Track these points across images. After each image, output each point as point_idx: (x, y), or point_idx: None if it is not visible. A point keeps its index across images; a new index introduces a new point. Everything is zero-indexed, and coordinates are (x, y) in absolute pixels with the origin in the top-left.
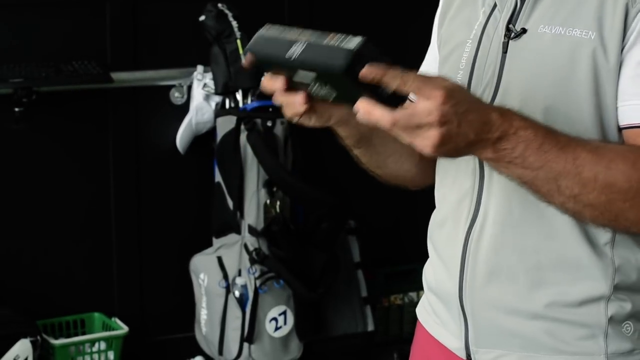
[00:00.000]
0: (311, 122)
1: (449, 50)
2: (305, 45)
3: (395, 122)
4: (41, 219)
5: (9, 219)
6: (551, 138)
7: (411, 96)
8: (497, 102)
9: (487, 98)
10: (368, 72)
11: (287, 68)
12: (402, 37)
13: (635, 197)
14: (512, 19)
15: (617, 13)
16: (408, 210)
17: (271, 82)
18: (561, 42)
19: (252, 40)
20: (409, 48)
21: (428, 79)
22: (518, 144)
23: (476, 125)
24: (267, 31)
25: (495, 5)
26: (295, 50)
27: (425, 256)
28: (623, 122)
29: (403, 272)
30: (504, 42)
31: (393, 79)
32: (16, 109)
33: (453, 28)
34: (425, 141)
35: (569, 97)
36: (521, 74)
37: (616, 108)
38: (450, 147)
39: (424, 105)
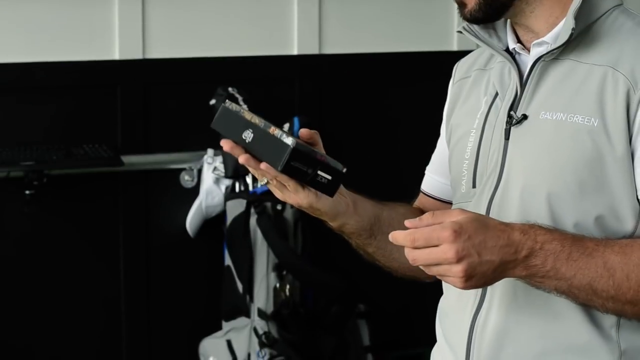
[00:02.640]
0: (286, 197)
1: (455, 141)
2: (253, 132)
3: (415, 261)
4: (51, 302)
5: (18, 302)
6: (578, 246)
7: None
8: (500, 189)
9: (491, 185)
10: (393, 237)
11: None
12: (410, 121)
13: None
14: (513, 106)
15: (618, 100)
16: (417, 293)
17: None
18: (563, 129)
19: (217, 115)
20: (410, 133)
21: (434, 227)
22: (547, 257)
23: (498, 250)
24: (229, 105)
25: (497, 94)
26: (247, 136)
27: (434, 340)
28: None
29: (413, 356)
30: (505, 129)
31: (404, 241)
32: (27, 192)
33: (459, 119)
34: (452, 279)
35: (571, 182)
36: (523, 160)
37: (629, 195)
38: (479, 277)
39: (438, 249)
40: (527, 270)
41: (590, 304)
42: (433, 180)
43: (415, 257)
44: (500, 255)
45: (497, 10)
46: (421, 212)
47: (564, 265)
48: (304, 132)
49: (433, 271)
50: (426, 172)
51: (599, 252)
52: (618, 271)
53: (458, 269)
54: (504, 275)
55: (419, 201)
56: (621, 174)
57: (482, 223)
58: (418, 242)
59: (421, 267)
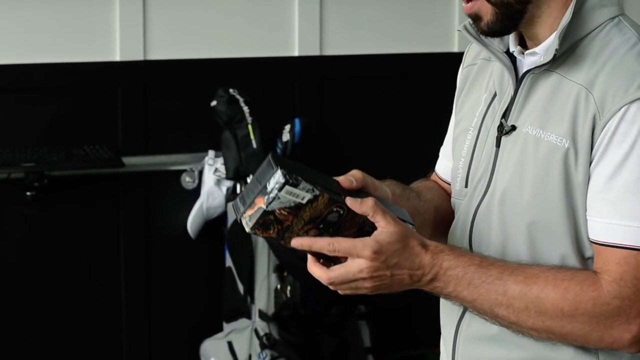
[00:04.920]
0: None
1: (458, 133)
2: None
3: (332, 281)
4: (51, 303)
5: (19, 303)
6: (481, 273)
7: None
8: (488, 195)
9: (480, 190)
10: (297, 243)
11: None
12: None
13: (571, 323)
14: (506, 113)
15: (586, 124)
16: (418, 294)
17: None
18: (539, 146)
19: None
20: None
21: (356, 242)
22: (449, 282)
23: (408, 272)
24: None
25: (495, 94)
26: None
27: (435, 340)
28: (590, 235)
29: (413, 357)
30: (497, 137)
31: (322, 247)
32: (28, 193)
33: (463, 111)
34: (362, 290)
35: (544, 200)
36: (506, 171)
37: (586, 219)
38: (386, 289)
39: (355, 264)
40: (431, 290)
41: (500, 325)
42: (443, 164)
43: (332, 277)
44: (409, 276)
45: (514, 19)
46: (437, 188)
47: (465, 290)
48: (347, 183)
49: (344, 288)
50: (440, 153)
51: (501, 281)
52: (517, 300)
53: (368, 284)
54: (409, 288)
55: (434, 178)
56: (582, 198)
57: (402, 244)
58: (338, 253)
59: (331, 287)
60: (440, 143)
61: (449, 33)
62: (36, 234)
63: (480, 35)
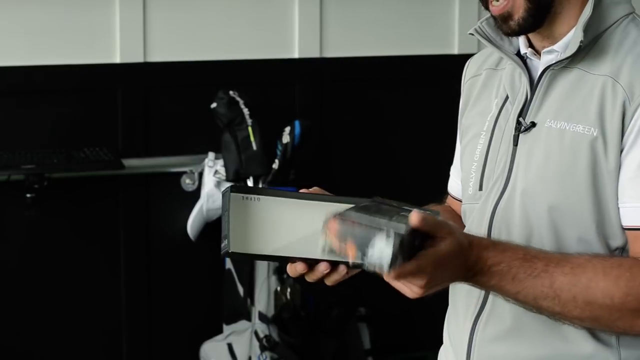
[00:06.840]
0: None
1: (467, 141)
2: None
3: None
4: (52, 305)
5: (19, 305)
6: (527, 267)
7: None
8: (506, 194)
9: (497, 190)
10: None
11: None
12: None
13: (620, 310)
14: (522, 112)
15: (615, 111)
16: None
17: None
18: (565, 138)
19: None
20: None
21: (414, 275)
22: (492, 277)
23: (452, 274)
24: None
25: (507, 97)
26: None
27: (435, 343)
28: (624, 223)
29: (413, 359)
30: (514, 135)
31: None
32: (28, 195)
33: (471, 119)
34: (409, 294)
35: (571, 192)
36: (528, 167)
37: (617, 207)
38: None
39: (408, 288)
40: (472, 283)
41: (540, 314)
42: (454, 182)
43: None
44: (454, 276)
45: (542, 15)
46: (453, 211)
47: (509, 284)
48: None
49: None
50: (450, 172)
51: (547, 274)
52: (565, 292)
53: (418, 294)
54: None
55: (449, 201)
56: (612, 186)
57: (454, 256)
58: (400, 277)
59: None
60: (440, 145)
61: (449, 35)
62: (36, 236)
63: (492, 37)
